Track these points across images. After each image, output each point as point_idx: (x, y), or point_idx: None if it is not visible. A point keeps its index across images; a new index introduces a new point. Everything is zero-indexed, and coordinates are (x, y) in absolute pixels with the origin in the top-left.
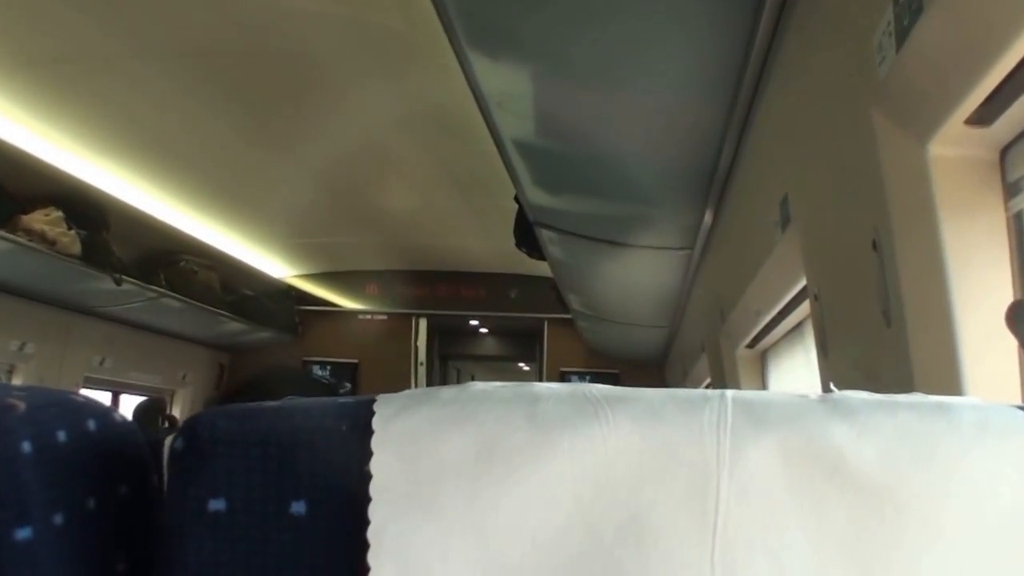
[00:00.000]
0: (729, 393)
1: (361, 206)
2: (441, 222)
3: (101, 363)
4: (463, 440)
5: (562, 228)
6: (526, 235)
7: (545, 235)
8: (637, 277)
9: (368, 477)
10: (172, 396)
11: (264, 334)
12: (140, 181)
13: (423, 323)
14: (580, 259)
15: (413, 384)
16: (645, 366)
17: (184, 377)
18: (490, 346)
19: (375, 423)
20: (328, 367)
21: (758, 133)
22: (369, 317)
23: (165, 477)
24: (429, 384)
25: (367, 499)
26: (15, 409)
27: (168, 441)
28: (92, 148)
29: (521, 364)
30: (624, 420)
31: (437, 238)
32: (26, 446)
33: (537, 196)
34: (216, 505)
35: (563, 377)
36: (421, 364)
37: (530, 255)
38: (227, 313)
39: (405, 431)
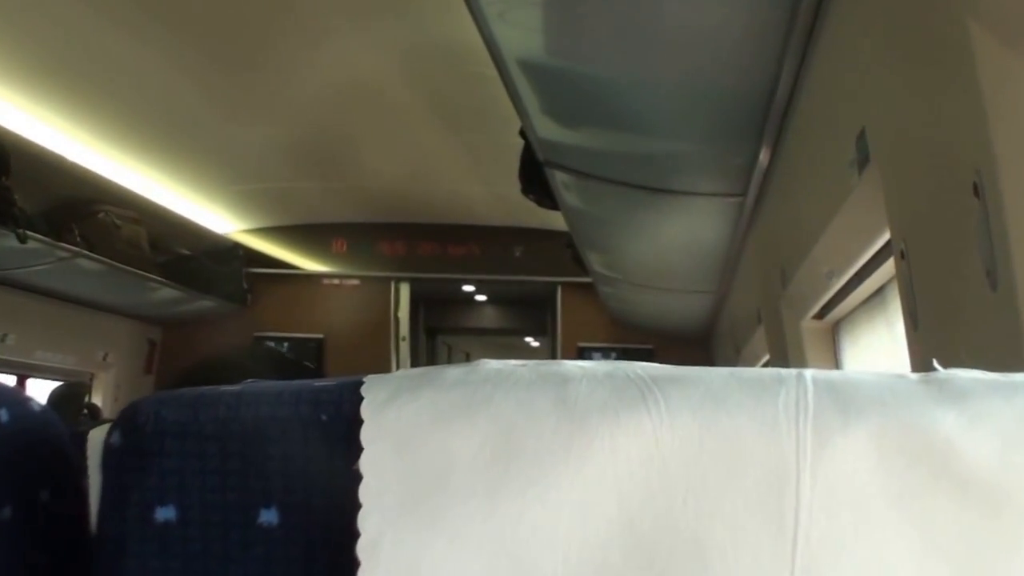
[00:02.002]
0: (808, 373)
1: (325, 142)
2: (426, 162)
3: (2, 339)
4: (476, 433)
5: (580, 169)
6: (534, 178)
7: (558, 178)
8: (675, 230)
9: (357, 478)
10: (91, 381)
11: (205, 303)
12: (48, 114)
13: (404, 289)
14: (602, 208)
15: (394, 366)
16: (686, 341)
17: (106, 357)
18: (489, 317)
19: (364, 411)
20: (285, 344)
21: (826, 50)
22: (336, 282)
23: (97, 480)
24: (414, 365)
25: (356, 506)
26: None
27: (96, 435)
28: None
29: (528, 339)
30: (679, 407)
31: (421, 182)
32: None
33: (548, 129)
34: (164, 514)
35: (582, 354)
36: (403, 340)
37: (539, 203)
38: (158, 277)
39: (402, 421)
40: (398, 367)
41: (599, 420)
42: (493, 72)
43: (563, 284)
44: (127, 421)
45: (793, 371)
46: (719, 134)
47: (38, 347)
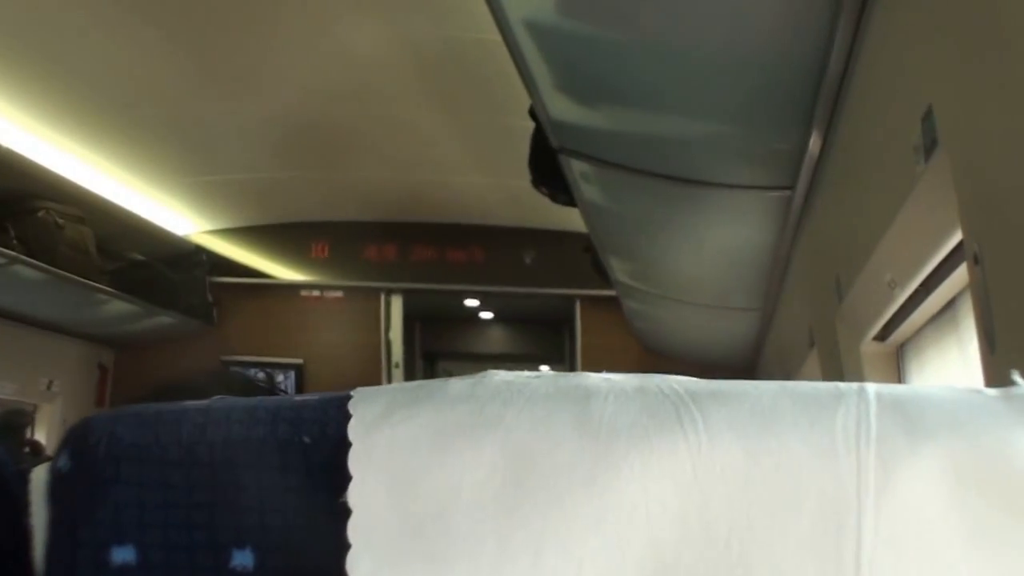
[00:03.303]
0: (871, 388)
1: (304, 126)
2: (420, 149)
3: None
4: (483, 458)
5: (601, 157)
6: (547, 168)
7: (576, 167)
8: (712, 230)
9: (345, 512)
10: (33, 414)
11: (163, 319)
12: None
13: (396, 303)
14: (627, 203)
15: None
16: (727, 371)
17: (50, 385)
18: (497, 339)
19: (352, 432)
20: (257, 372)
21: (885, 14)
22: (316, 294)
23: (42, 515)
24: None
25: (344, 545)
26: None
27: (40, 473)
28: None
29: (544, 367)
30: (721, 428)
31: (414, 172)
32: None
33: (563, 109)
34: (121, 555)
35: None
36: (396, 366)
37: (553, 198)
38: (107, 288)
39: (397, 443)
40: None
41: (627, 444)
42: (498, 38)
43: (582, 298)
44: (77, 441)
45: (853, 386)
46: (763, 116)
47: None
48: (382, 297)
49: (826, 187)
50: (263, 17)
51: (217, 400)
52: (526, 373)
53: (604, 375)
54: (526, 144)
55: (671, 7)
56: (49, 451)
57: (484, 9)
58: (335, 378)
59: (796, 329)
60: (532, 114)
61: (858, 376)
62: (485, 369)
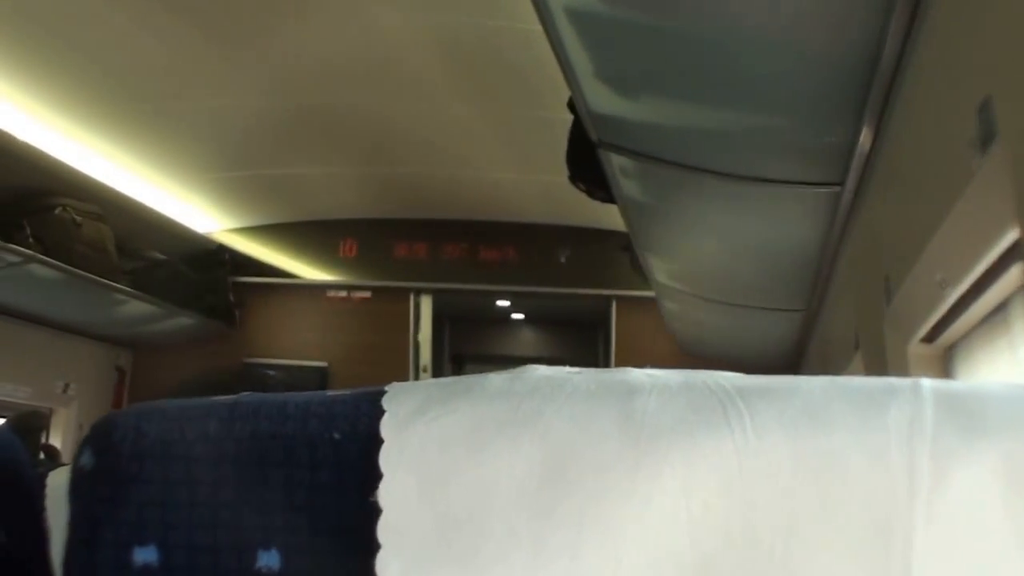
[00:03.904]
0: (926, 383)
1: (330, 119)
2: (453, 143)
3: None
4: (520, 455)
5: (642, 151)
6: (585, 163)
7: (615, 162)
8: (756, 228)
9: (375, 512)
10: (49, 417)
11: (183, 320)
12: None
13: (426, 303)
14: (668, 200)
15: None
16: (767, 373)
17: (66, 388)
18: (528, 342)
19: (385, 428)
20: (272, 372)
21: (941, 6)
22: (343, 294)
23: (61, 517)
24: None
25: (374, 546)
26: None
27: (57, 478)
28: None
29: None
30: (768, 425)
31: (447, 168)
32: None
33: (604, 101)
34: (144, 556)
35: None
36: (424, 370)
37: (590, 194)
38: (127, 288)
39: (431, 441)
40: None
41: (671, 442)
42: (536, 27)
43: (618, 299)
44: (101, 438)
45: (907, 381)
46: (812, 109)
47: None
48: (411, 297)
49: (876, 183)
50: (291, 8)
51: (245, 395)
52: (566, 368)
53: (647, 370)
54: (562, 138)
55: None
56: (65, 456)
57: None
58: (361, 381)
59: (841, 330)
60: (571, 106)
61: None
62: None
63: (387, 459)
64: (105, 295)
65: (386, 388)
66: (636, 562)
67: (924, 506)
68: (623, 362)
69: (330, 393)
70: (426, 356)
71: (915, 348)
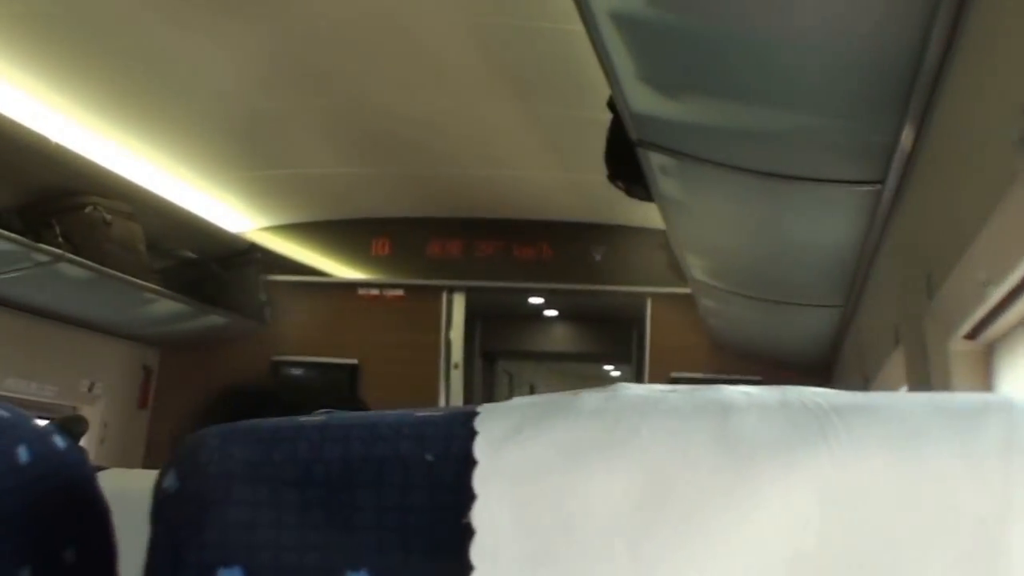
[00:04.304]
0: (1021, 400)
1: (364, 117)
2: (488, 143)
3: None
4: (617, 474)
5: (681, 150)
6: (624, 162)
7: (654, 161)
8: (796, 227)
9: (468, 533)
10: (88, 421)
11: (213, 319)
12: (25, 80)
13: (459, 301)
14: (707, 198)
15: (442, 399)
16: (802, 369)
17: (91, 387)
18: (560, 338)
19: (478, 449)
20: (311, 371)
21: (987, 5)
22: (376, 292)
23: (137, 534)
24: (468, 399)
25: (466, 568)
26: None
27: (112, 481)
28: None
29: (607, 367)
30: (865, 441)
31: (482, 167)
32: None
33: (645, 100)
34: None
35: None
36: (456, 367)
37: (629, 193)
38: (157, 287)
39: (526, 461)
40: (447, 400)
41: (769, 459)
42: (576, 28)
43: (653, 296)
44: (187, 460)
45: (1001, 397)
46: (854, 107)
47: (9, 374)
48: (444, 296)
49: (918, 181)
50: (327, 6)
51: (335, 416)
52: (659, 387)
53: (742, 388)
54: (597, 137)
55: (763, 1)
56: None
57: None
58: (391, 379)
59: (879, 327)
60: (610, 106)
61: (945, 375)
62: (547, 367)
63: (481, 480)
64: (134, 294)
65: (478, 409)
66: None
67: (1022, 525)
68: (657, 359)
69: (420, 413)
70: (457, 354)
71: (957, 345)
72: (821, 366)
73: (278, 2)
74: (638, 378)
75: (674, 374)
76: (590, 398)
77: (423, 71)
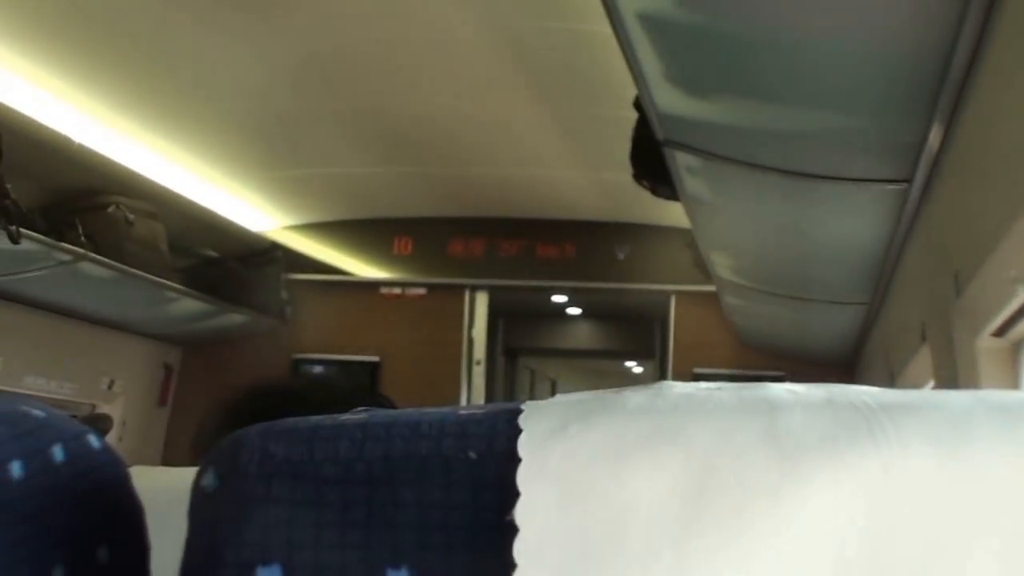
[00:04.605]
0: None
1: (386, 118)
2: (511, 142)
3: None
4: (663, 472)
5: (708, 149)
6: (649, 161)
7: (681, 160)
8: (822, 225)
9: (511, 531)
10: (89, 414)
11: (235, 318)
12: (49, 80)
13: (481, 299)
14: (733, 197)
15: (464, 396)
16: (826, 365)
17: (111, 385)
18: (582, 335)
19: (522, 447)
20: (332, 368)
21: (1015, 3)
22: (398, 292)
23: (186, 531)
24: (490, 396)
25: (509, 566)
26: None
27: (145, 477)
28: None
29: (630, 364)
30: (913, 439)
31: (507, 166)
32: None
33: (672, 100)
34: (267, 575)
35: (697, 381)
36: (478, 363)
37: (655, 192)
38: (179, 285)
39: (571, 459)
40: (470, 397)
41: (816, 458)
42: (602, 29)
43: (677, 294)
44: (225, 458)
45: None
46: (881, 106)
47: (29, 372)
48: (467, 294)
49: (946, 180)
50: (347, 8)
51: (375, 415)
52: (705, 384)
53: (788, 386)
54: (620, 136)
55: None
56: None
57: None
58: (412, 376)
59: (906, 324)
60: (636, 105)
61: (973, 372)
62: (568, 364)
63: (525, 478)
64: (156, 293)
65: (522, 407)
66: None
67: None
68: (681, 356)
69: (462, 411)
70: (480, 351)
71: (984, 342)
72: (845, 362)
73: (302, 4)
74: (661, 374)
75: (697, 370)
76: (635, 396)
77: (446, 71)
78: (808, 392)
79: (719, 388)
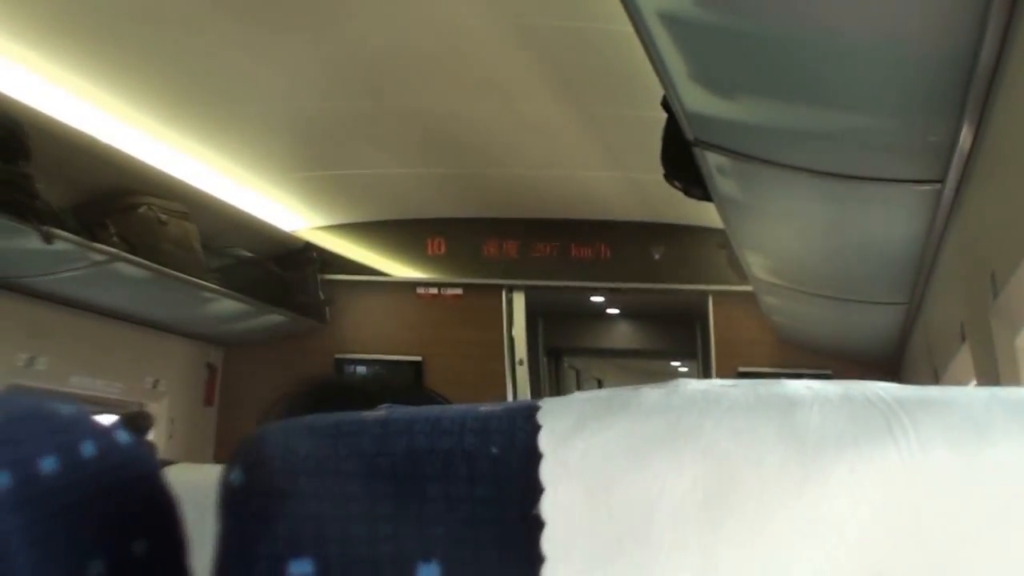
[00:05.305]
0: None
1: (419, 120)
2: (544, 144)
3: (29, 363)
4: (684, 470)
5: (738, 149)
6: (680, 162)
7: (711, 160)
8: (855, 225)
9: (537, 525)
10: (153, 417)
11: (274, 318)
12: (76, 82)
13: (518, 299)
14: (765, 198)
15: (510, 394)
16: (870, 364)
17: (156, 384)
18: (624, 335)
19: (543, 443)
20: (376, 368)
21: None
22: (435, 292)
23: (217, 527)
24: (536, 395)
25: (538, 558)
26: None
27: (181, 475)
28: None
29: (675, 363)
30: (932, 436)
31: (538, 167)
32: (2, 479)
33: (699, 100)
34: (299, 568)
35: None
36: (520, 363)
37: (687, 192)
38: (216, 286)
39: (592, 455)
40: (515, 396)
41: (836, 454)
42: (623, 28)
43: (714, 293)
44: (250, 455)
45: None
46: (911, 107)
47: (74, 372)
48: (503, 294)
49: (978, 180)
50: (381, 10)
51: (395, 411)
52: (720, 381)
53: (805, 382)
54: (653, 136)
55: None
56: (159, 453)
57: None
58: (456, 375)
59: (946, 323)
60: (665, 106)
61: (1014, 370)
62: (613, 363)
63: (548, 473)
64: (193, 293)
65: (539, 403)
66: (804, 571)
67: None
68: (723, 353)
69: (482, 408)
70: (521, 350)
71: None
72: (889, 360)
73: (335, 9)
74: (705, 373)
75: (742, 368)
76: (650, 394)
77: (478, 75)
78: (825, 389)
79: (735, 385)
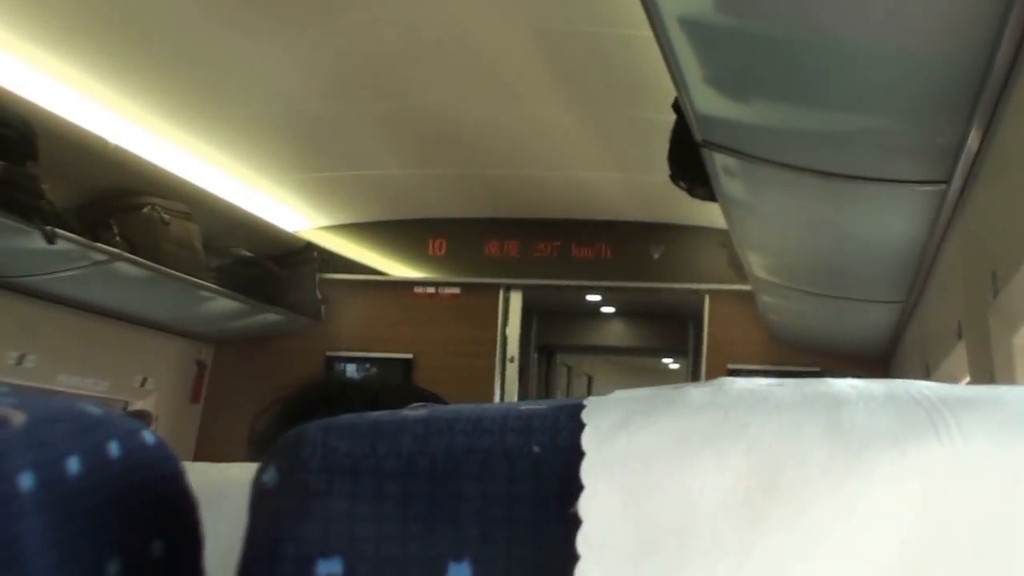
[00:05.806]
0: None
1: (422, 120)
2: (545, 145)
3: (19, 361)
4: (727, 468)
5: (746, 151)
6: (687, 163)
7: (719, 161)
8: (858, 225)
9: (575, 524)
10: (125, 410)
11: (270, 317)
12: (85, 81)
13: (515, 299)
14: (770, 198)
15: (497, 393)
16: (861, 361)
17: (144, 382)
18: (616, 333)
19: (586, 441)
20: (367, 366)
21: None
22: (432, 291)
23: (247, 525)
24: (523, 393)
25: (572, 557)
26: (8, 423)
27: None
28: (7, 32)
29: (666, 360)
30: (976, 434)
31: (539, 168)
32: (26, 480)
33: (711, 102)
34: (328, 568)
35: (731, 376)
36: (511, 360)
37: (692, 193)
38: (213, 285)
39: (634, 454)
40: (503, 395)
41: (879, 452)
42: (636, 32)
43: (711, 292)
44: (287, 454)
45: None
46: (919, 108)
47: (63, 370)
48: (501, 293)
49: (984, 181)
50: (384, 12)
51: (437, 409)
52: (765, 380)
53: (849, 380)
54: (654, 137)
55: (829, 4)
56: None
57: (620, 3)
58: (446, 372)
59: (942, 321)
60: (676, 107)
61: (1009, 369)
62: (604, 360)
63: (589, 471)
64: (191, 292)
65: (585, 402)
66: (845, 569)
67: None
68: (715, 352)
69: (524, 407)
70: (513, 348)
71: (1021, 340)
72: (878, 357)
73: (340, 8)
74: (695, 371)
75: (731, 365)
76: (696, 392)
77: (482, 74)
78: (868, 387)
79: (780, 384)
